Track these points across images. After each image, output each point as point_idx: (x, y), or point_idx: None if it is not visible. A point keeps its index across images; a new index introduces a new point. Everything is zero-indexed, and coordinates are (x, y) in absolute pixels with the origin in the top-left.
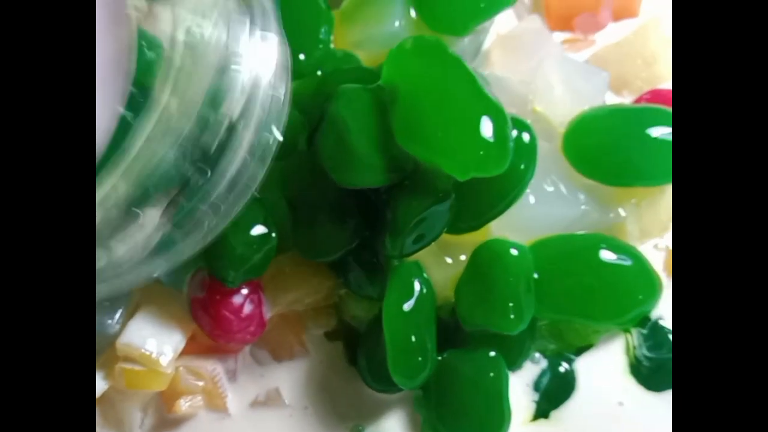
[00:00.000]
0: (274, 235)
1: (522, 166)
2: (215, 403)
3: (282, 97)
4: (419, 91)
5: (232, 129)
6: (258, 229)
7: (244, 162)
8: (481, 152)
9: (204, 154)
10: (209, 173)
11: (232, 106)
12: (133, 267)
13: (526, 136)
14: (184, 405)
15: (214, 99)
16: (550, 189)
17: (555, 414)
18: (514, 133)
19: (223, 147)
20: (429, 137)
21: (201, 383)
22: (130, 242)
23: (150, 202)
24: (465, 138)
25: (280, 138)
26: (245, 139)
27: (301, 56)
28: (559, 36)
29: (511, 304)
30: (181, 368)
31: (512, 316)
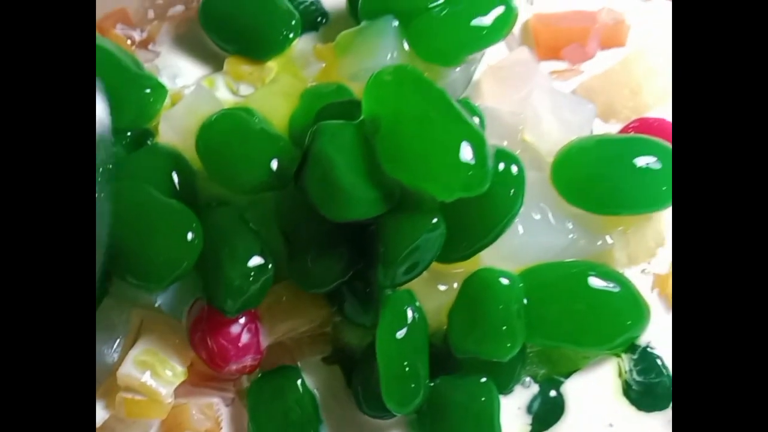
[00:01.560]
0: (270, 266)
1: (511, 196)
2: None
3: None
4: (401, 119)
5: None
6: (255, 260)
7: None
8: (463, 174)
9: None
10: None
11: None
12: None
13: (514, 168)
14: None
15: None
16: (538, 217)
17: None
18: (501, 165)
19: None
20: (413, 162)
21: (208, 425)
22: None
23: None
24: (447, 161)
25: None
26: None
27: None
28: (548, 66)
29: (503, 329)
30: (191, 405)
31: (503, 343)
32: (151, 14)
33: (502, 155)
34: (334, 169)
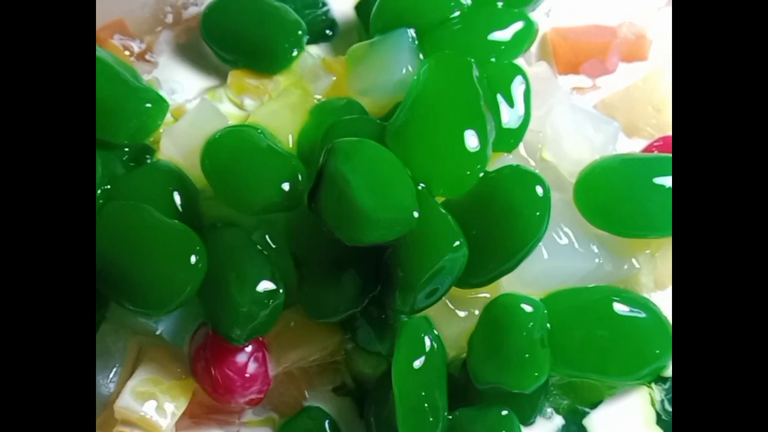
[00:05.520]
0: (281, 291)
1: (536, 218)
2: None
3: None
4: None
5: None
6: (265, 285)
7: None
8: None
9: None
10: None
11: None
12: None
13: (539, 190)
14: None
15: None
16: (563, 241)
17: None
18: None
19: None
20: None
21: None
22: None
23: None
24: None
25: None
26: None
27: None
28: (567, 81)
29: (526, 357)
30: None
31: (528, 373)
32: (169, 18)
33: (526, 175)
34: (350, 190)
